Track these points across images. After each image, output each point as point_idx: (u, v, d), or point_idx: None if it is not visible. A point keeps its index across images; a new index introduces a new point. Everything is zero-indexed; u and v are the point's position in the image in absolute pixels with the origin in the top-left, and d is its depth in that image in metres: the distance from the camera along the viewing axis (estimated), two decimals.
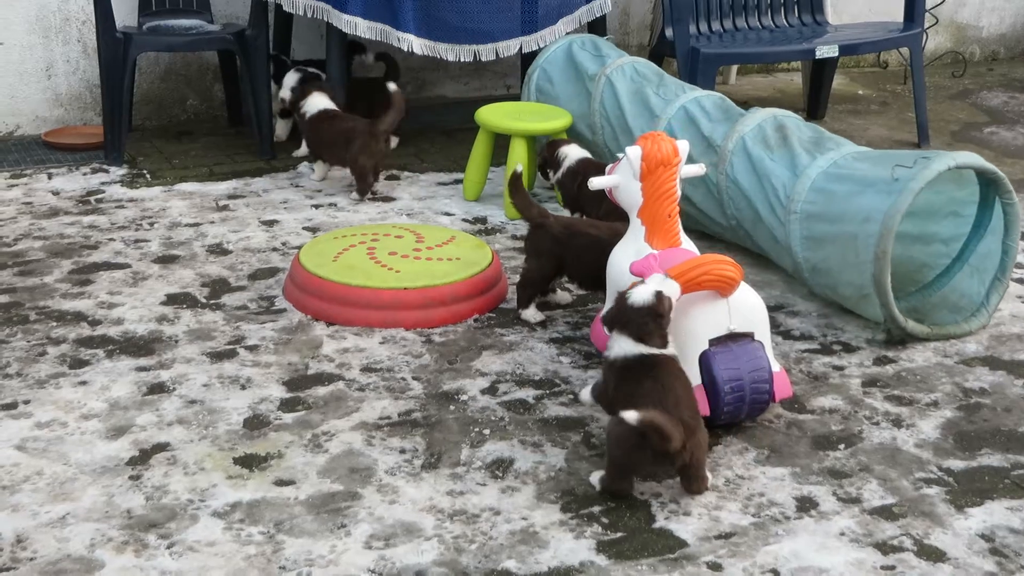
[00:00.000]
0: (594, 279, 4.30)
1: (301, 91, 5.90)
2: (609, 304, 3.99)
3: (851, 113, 7.53)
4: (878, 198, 4.18)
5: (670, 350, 3.41)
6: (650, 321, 3.38)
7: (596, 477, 3.37)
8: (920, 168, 4.13)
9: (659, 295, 3.40)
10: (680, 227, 3.91)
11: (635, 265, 3.71)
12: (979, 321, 4.43)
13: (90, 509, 3.22)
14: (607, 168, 4.04)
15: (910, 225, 4.46)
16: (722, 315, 3.63)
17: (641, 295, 3.41)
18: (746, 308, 3.68)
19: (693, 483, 3.34)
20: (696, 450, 3.28)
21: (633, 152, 3.83)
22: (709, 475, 3.40)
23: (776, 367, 3.73)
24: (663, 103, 5.27)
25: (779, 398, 3.74)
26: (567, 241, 4.33)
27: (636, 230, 3.91)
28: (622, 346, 3.41)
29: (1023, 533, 3.25)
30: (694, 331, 3.60)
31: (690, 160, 4.87)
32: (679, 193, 3.88)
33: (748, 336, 3.68)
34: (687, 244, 3.93)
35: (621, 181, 3.90)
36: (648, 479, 3.39)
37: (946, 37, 8.86)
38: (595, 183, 3.95)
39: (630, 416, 3.15)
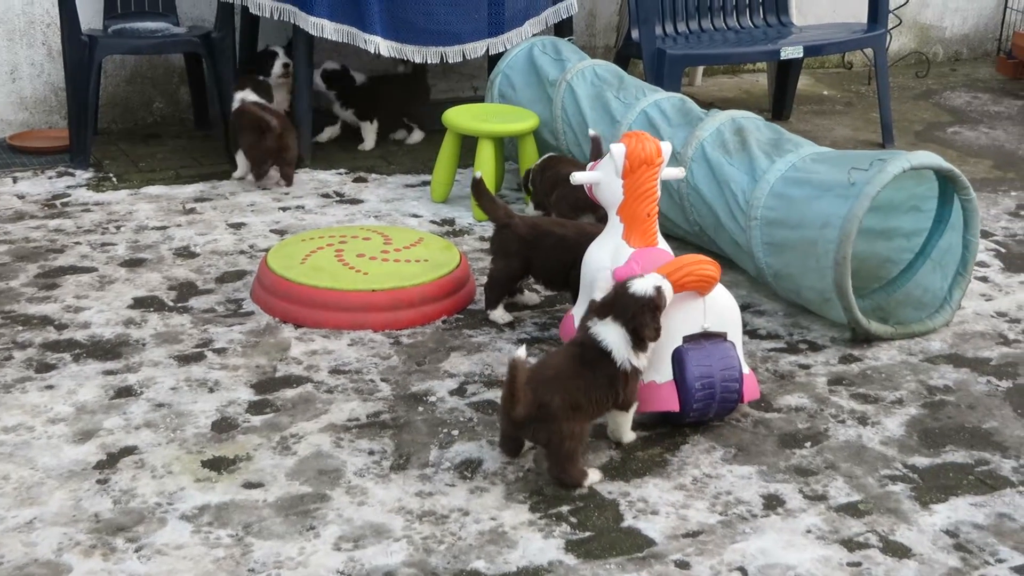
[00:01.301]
0: (561, 279, 4.32)
1: (236, 84, 6.02)
2: (582, 301, 4.02)
3: (816, 113, 7.58)
4: (836, 203, 4.21)
5: (634, 359, 3.44)
6: (647, 313, 3.41)
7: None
8: (876, 171, 4.17)
9: (659, 289, 3.44)
10: (657, 227, 3.93)
11: (619, 271, 3.73)
12: (943, 317, 4.47)
13: (57, 513, 3.21)
14: (588, 165, 4.06)
15: (872, 220, 4.50)
16: (697, 313, 3.65)
17: (642, 286, 3.44)
18: (721, 308, 3.71)
19: (552, 468, 3.39)
20: (552, 436, 3.32)
21: (617, 149, 3.85)
22: (592, 476, 3.42)
23: (746, 369, 3.75)
24: (623, 108, 5.29)
25: (747, 399, 3.76)
26: (533, 241, 4.34)
27: (615, 227, 3.93)
28: (600, 330, 3.44)
29: (987, 529, 3.28)
30: (669, 327, 3.61)
31: None
32: (659, 193, 3.91)
33: (721, 336, 3.70)
34: (662, 244, 3.96)
35: (603, 178, 3.92)
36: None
37: (910, 38, 8.92)
38: (577, 178, 3.97)
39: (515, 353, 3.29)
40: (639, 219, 3.89)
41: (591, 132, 4.88)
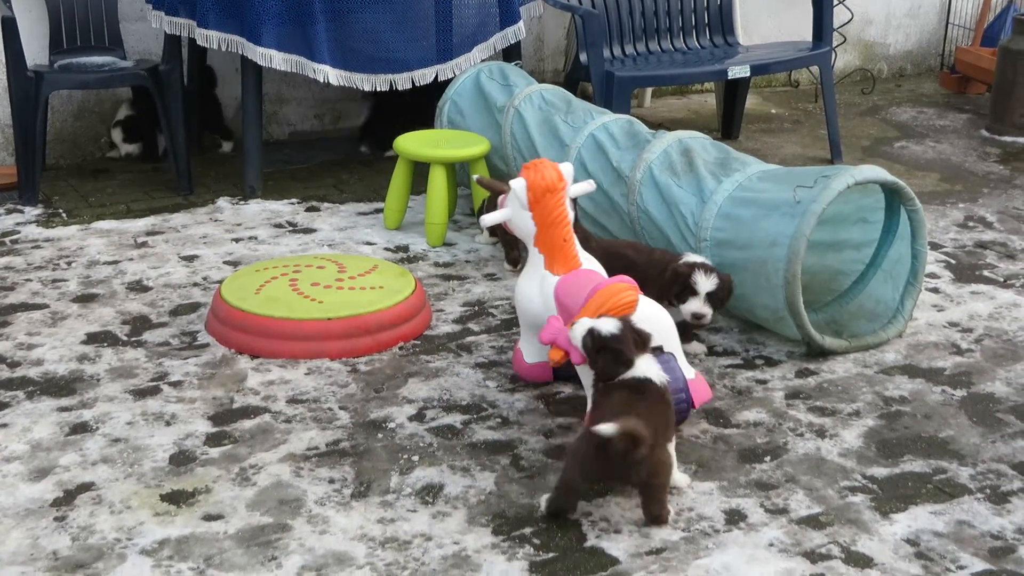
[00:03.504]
0: None
1: None
2: (523, 335, 4.05)
3: (765, 132, 7.63)
4: (783, 222, 4.24)
5: (647, 371, 3.43)
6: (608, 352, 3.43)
7: (543, 499, 3.38)
8: (821, 188, 4.21)
9: (591, 331, 3.45)
10: (578, 248, 3.96)
11: (544, 335, 3.72)
12: (896, 328, 4.51)
13: (15, 552, 3.17)
14: (498, 200, 4.09)
15: (822, 233, 4.54)
16: None
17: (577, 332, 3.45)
18: (649, 323, 3.71)
19: (653, 506, 3.31)
20: (659, 467, 3.26)
21: (518, 184, 3.91)
22: (671, 509, 3.37)
23: (690, 373, 3.76)
24: (572, 132, 5.30)
25: (699, 403, 3.77)
26: (603, 264, 4.34)
27: (536, 259, 3.98)
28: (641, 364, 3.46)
29: (947, 536, 3.31)
30: None
31: (598, 190, 4.93)
32: (571, 216, 3.95)
33: (657, 350, 3.71)
34: (589, 262, 3.98)
35: (511, 214, 3.99)
36: (597, 494, 3.41)
37: (855, 55, 9.02)
38: (486, 220, 4.04)
39: (605, 429, 3.13)
40: (556, 246, 3.94)
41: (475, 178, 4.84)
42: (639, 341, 3.45)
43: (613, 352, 3.42)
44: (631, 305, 3.60)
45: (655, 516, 3.32)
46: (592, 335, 3.44)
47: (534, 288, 3.97)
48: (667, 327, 3.76)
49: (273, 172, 6.51)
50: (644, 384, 3.40)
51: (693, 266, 4.19)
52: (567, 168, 3.95)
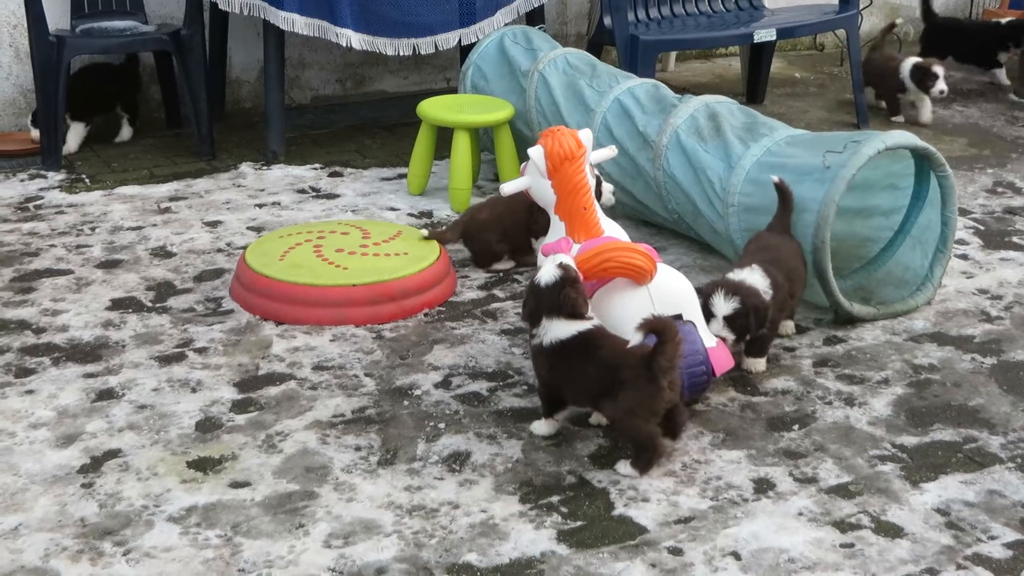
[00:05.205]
0: None
1: None
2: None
3: (790, 96, 7.57)
4: (812, 187, 4.20)
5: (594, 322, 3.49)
6: (569, 292, 3.43)
7: (625, 468, 3.39)
8: (851, 154, 4.16)
9: (563, 266, 3.46)
10: (599, 216, 3.93)
11: (547, 246, 3.73)
12: (925, 295, 4.47)
13: (42, 519, 3.17)
14: (521, 167, 4.06)
15: (851, 200, 4.50)
16: (644, 303, 3.61)
17: (547, 274, 3.45)
18: (668, 292, 3.68)
19: (681, 421, 3.48)
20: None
21: (535, 152, 3.87)
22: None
23: (712, 342, 3.72)
24: (597, 96, 5.26)
25: (720, 372, 3.73)
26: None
27: (557, 226, 3.95)
28: (555, 330, 3.45)
29: (977, 506, 3.28)
30: (617, 322, 3.56)
31: (624, 154, 4.89)
32: (592, 182, 3.92)
33: (676, 318, 3.67)
34: (614, 230, 3.94)
35: (531, 182, 3.95)
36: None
37: (881, 18, 8.92)
38: (506, 189, 3.99)
39: (635, 336, 3.29)
40: (576, 213, 3.90)
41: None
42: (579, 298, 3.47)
43: (536, 297, 3.46)
44: (636, 268, 3.58)
45: (680, 429, 3.51)
46: (564, 268, 3.48)
47: None
48: (684, 295, 3.73)
49: (295, 137, 6.49)
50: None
51: (716, 285, 3.85)
52: (586, 135, 3.91)
